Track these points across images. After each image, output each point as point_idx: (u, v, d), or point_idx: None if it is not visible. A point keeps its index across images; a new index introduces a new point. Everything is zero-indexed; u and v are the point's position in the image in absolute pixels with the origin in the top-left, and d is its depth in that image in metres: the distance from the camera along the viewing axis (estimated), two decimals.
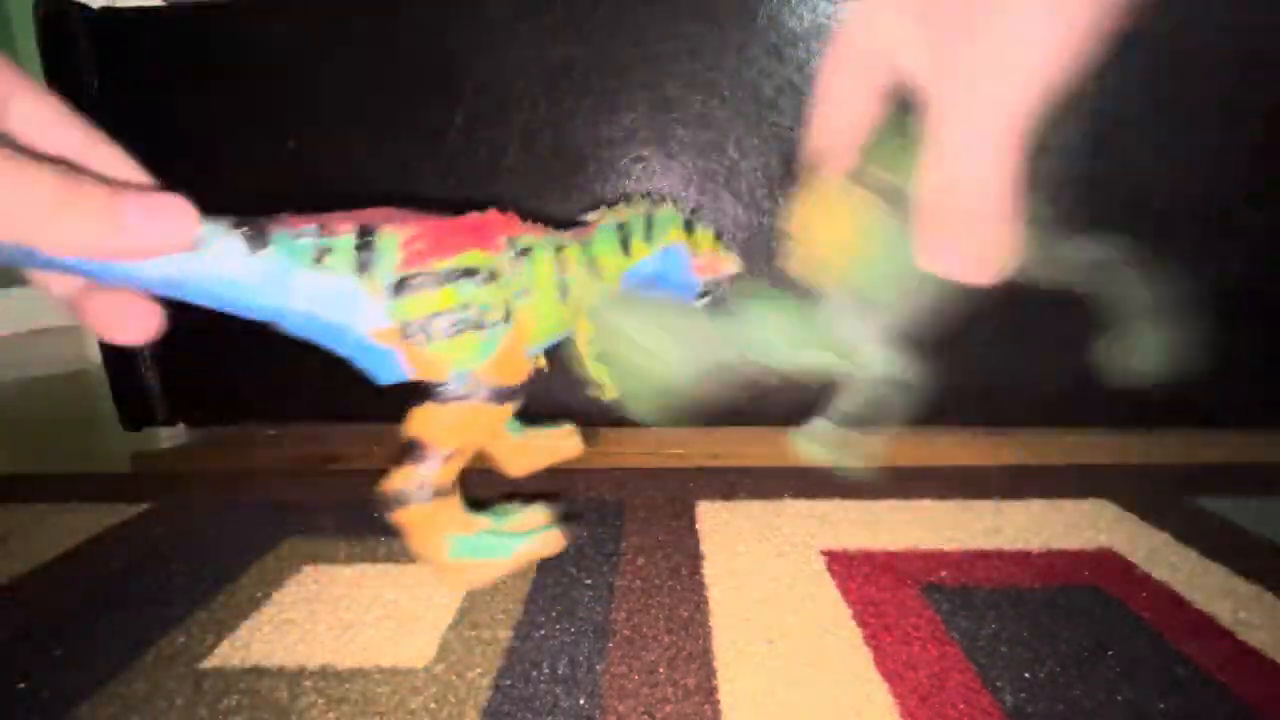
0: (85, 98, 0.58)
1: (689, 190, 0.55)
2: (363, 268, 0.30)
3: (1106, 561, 0.37)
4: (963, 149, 0.24)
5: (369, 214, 0.31)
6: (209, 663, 0.29)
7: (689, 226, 0.42)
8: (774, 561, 0.37)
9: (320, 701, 0.27)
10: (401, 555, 0.39)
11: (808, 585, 0.35)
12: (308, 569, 0.38)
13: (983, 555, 0.38)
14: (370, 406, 0.57)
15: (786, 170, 0.54)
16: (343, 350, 0.32)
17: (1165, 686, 0.27)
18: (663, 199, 0.43)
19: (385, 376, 0.33)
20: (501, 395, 0.32)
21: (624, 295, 0.39)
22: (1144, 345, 0.29)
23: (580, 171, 0.56)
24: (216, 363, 0.62)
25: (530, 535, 0.34)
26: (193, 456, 0.63)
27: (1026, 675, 0.28)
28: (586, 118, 0.55)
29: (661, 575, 0.36)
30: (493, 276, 0.32)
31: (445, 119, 0.56)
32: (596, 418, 0.61)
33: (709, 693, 0.27)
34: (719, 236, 0.45)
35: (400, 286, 0.30)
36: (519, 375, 0.32)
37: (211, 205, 0.65)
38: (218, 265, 0.27)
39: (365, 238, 0.30)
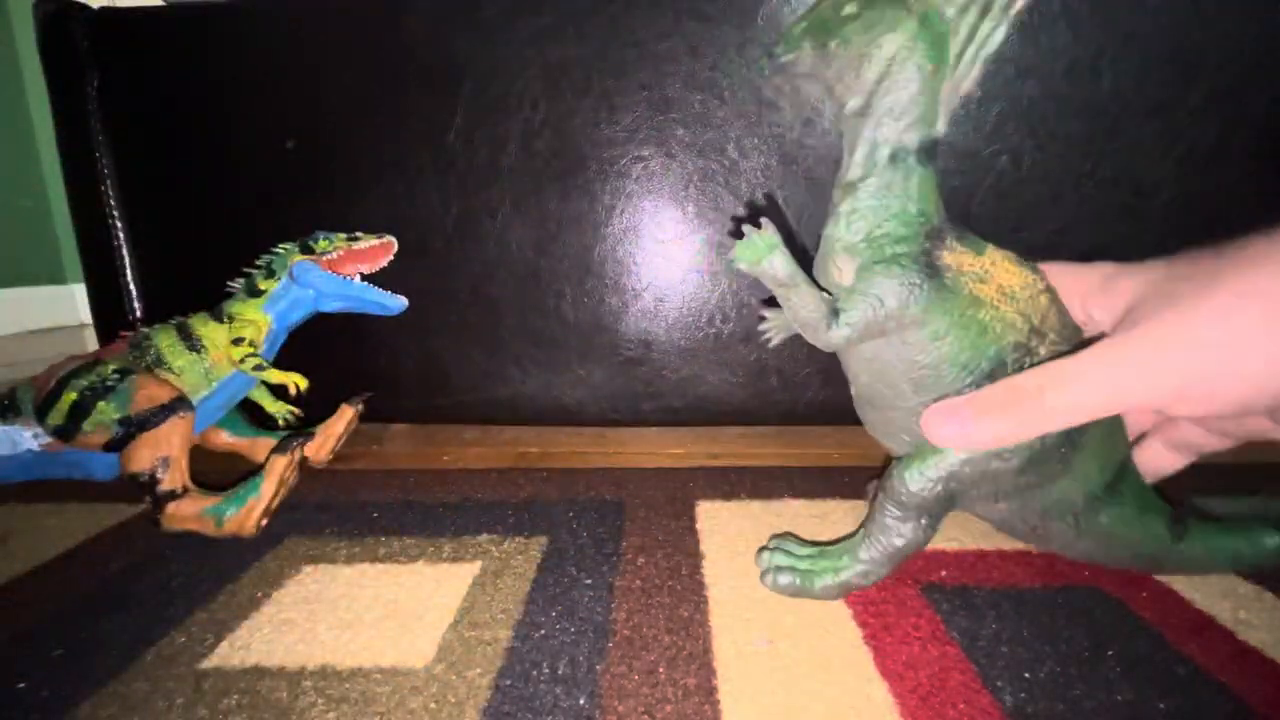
0: (85, 98, 0.58)
1: (689, 190, 0.55)
2: (10, 416, 0.44)
3: None
4: (1088, 391, 0.27)
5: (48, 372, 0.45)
6: (209, 663, 0.29)
7: (305, 246, 0.51)
8: None
9: (320, 701, 0.27)
10: (401, 555, 0.39)
11: None
12: (308, 569, 0.38)
13: (983, 555, 0.38)
14: (370, 407, 0.57)
15: (787, 170, 0.54)
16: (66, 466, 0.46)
17: (1165, 686, 0.27)
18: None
19: (101, 471, 0.46)
20: (159, 415, 0.42)
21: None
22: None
23: (580, 171, 0.56)
24: None
25: (258, 478, 0.43)
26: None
27: (1026, 675, 0.28)
28: (586, 118, 0.55)
29: (661, 575, 0.36)
30: (95, 366, 0.44)
31: (445, 119, 0.56)
32: (595, 418, 0.61)
33: (709, 693, 0.27)
34: (354, 233, 0.53)
35: (39, 412, 0.43)
36: (160, 398, 0.42)
37: (212, 205, 0.65)
38: None
39: (4, 401, 0.45)
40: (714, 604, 0.33)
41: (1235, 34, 0.49)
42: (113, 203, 0.60)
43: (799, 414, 0.59)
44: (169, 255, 0.62)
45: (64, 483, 0.47)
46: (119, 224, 0.60)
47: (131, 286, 0.62)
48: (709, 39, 0.53)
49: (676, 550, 0.39)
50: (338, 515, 0.45)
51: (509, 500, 0.47)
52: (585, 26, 0.53)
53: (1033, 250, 0.55)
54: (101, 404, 0.42)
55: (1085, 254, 0.55)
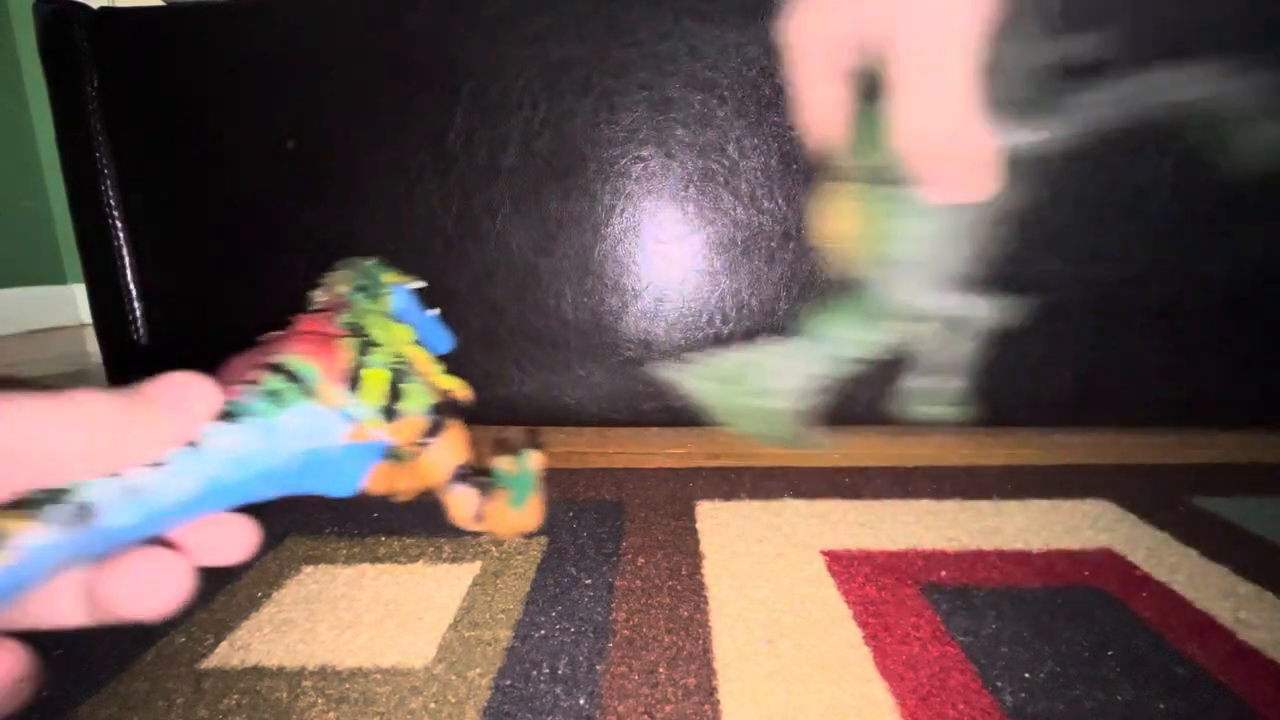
0: (85, 98, 0.58)
1: (689, 190, 0.55)
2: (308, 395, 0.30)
3: (1106, 561, 0.37)
4: (926, 91, 0.25)
5: (245, 360, 0.31)
6: (209, 663, 0.29)
7: (376, 271, 0.42)
8: (774, 561, 0.37)
9: (320, 701, 0.27)
10: (401, 555, 0.39)
11: (808, 585, 0.35)
12: (308, 569, 0.38)
13: (983, 555, 0.38)
14: None
15: (787, 170, 0.54)
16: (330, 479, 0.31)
17: (1165, 686, 0.27)
18: (341, 265, 0.42)
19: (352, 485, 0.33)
20: (451, 408, 0.35)
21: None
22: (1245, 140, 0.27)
23: (580, 171, 0.56)
24: (217, 362, 0.62)
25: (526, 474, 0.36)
26: None
27: (1026, 675, 0.28)
28: (586, 118, 0.55)
29: (661, 575, 0.36)
30: (370, 346, 0.33)
31: (445, 119, 0.56)
32: (595, 418, 0.61)
33: (709, 693, 0.27)
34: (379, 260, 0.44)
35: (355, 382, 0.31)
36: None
37: (212, 206, 0.65)
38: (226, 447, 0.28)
39: (290, 377, 0.30)
40: (714, 604, 0.33)
41: (1235, 31, 0.49)
42: (113, 203, 0.60)
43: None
44: (168, 255, 0.62)
45: None
46: (119, 224, 0.60)
47: (131, 286, 0.62)
48: (709, 39, 0.53)
49: (676, 550, 0.39)
50: (338, 515, 0.45)
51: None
52: (585, 26, 0.53)
53: (1034, 251, 0.55)
54: (409, 386, 0.33)
55: (1085, 254, 0.56)
